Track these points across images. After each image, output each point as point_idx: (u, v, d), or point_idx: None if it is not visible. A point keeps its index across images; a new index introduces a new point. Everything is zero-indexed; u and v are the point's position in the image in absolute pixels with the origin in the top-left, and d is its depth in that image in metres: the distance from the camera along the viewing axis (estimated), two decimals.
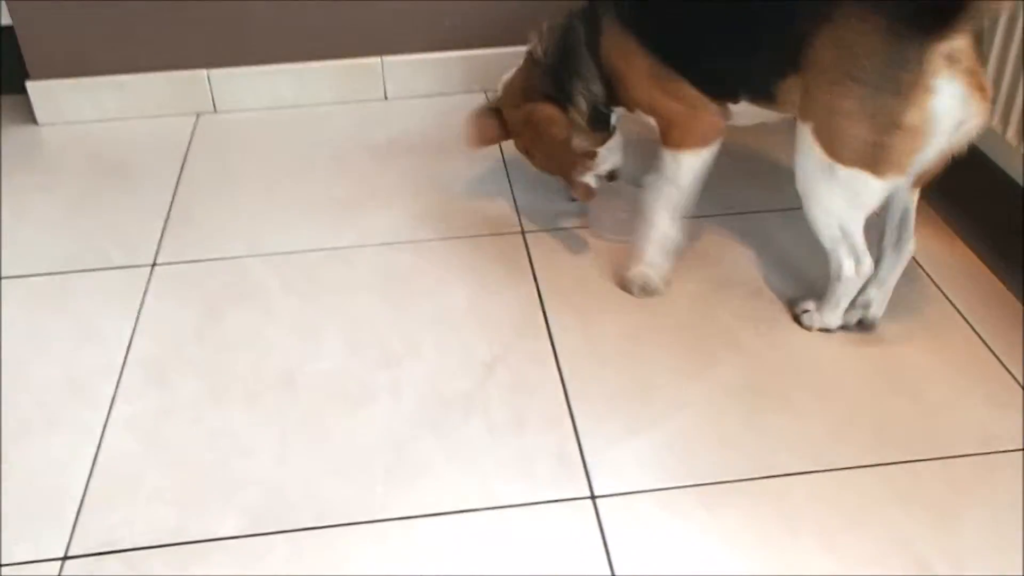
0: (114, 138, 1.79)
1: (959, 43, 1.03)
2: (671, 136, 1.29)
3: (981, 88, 1.06)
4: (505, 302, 1.35)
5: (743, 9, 1.17)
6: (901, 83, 1.04)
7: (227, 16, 1.79)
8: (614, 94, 1.34)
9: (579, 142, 1.40)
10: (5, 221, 1.55)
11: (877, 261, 1.24)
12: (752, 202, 1.55)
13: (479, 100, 1.88)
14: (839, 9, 1.07)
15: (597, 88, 1.34)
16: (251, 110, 1.88)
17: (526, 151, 1.48)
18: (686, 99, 1.26)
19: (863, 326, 1.29)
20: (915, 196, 1.23)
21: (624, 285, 1.37)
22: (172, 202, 1.59)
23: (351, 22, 1.83)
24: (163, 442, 1.14)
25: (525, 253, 1.45)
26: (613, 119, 1.43)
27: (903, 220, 1.24)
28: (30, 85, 1.82)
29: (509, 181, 1.63)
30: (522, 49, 1.45)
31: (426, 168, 1.67)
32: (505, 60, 1.87)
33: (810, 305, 1.30)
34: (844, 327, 1.29)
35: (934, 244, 1.44)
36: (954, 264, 1.41)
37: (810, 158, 1.14)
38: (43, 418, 1.18)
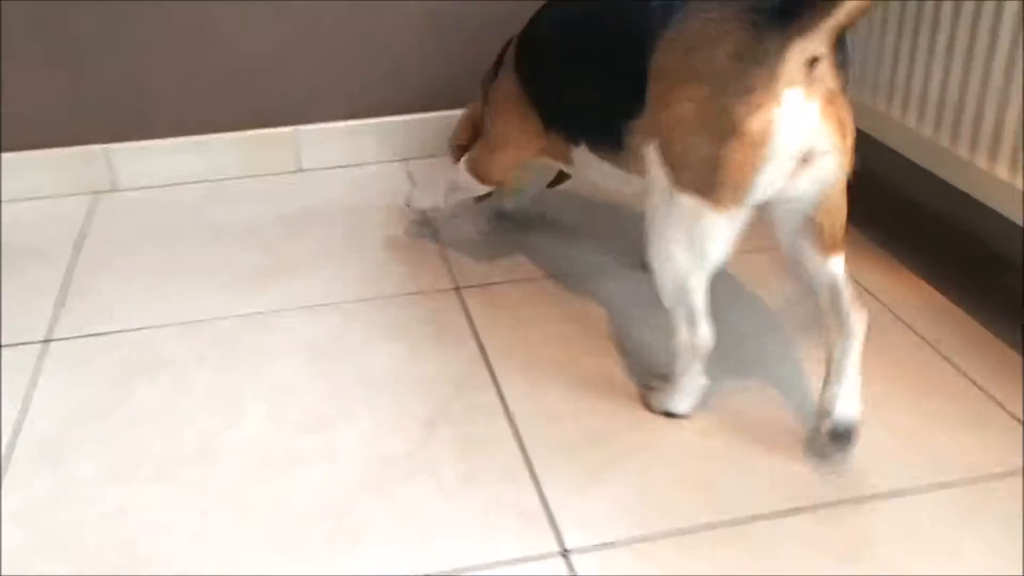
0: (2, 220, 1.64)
1: (823, 64, 0.89)
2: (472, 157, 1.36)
3: (840, 121, 0.92)
4: (442, 359, 1.24)
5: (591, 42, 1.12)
6: (749, 81, 0.88)
7: (126, 87, 1.69)
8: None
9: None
10: None
11: (828, 359, 1.05)
12: None
13: (396, 170, 1.81)
14: (685, 7, 0.96)
15: None
16: (155, 187, 1.76)
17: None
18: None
19: (839, 437, 1.02)
20: (837, 266, 1.02)
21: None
22: (67, 278, 1.45)
23: (261, 91, 1.75)
24: (57, 527, 0.98)
25: (461, 308, 1.35)
26: None
27: (834, 296, 1.03)
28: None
29: (438, 240, 1.54)
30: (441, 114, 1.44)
31: (345, 235, 1.57)
32: (425, 127, 1.83)
33: (656, 383, 1.15)
34: (814, 443, 1.07)
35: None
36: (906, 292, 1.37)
37: (655, 186, 1.00)
38: None
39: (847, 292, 1.03)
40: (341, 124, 1.80)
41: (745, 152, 0.90)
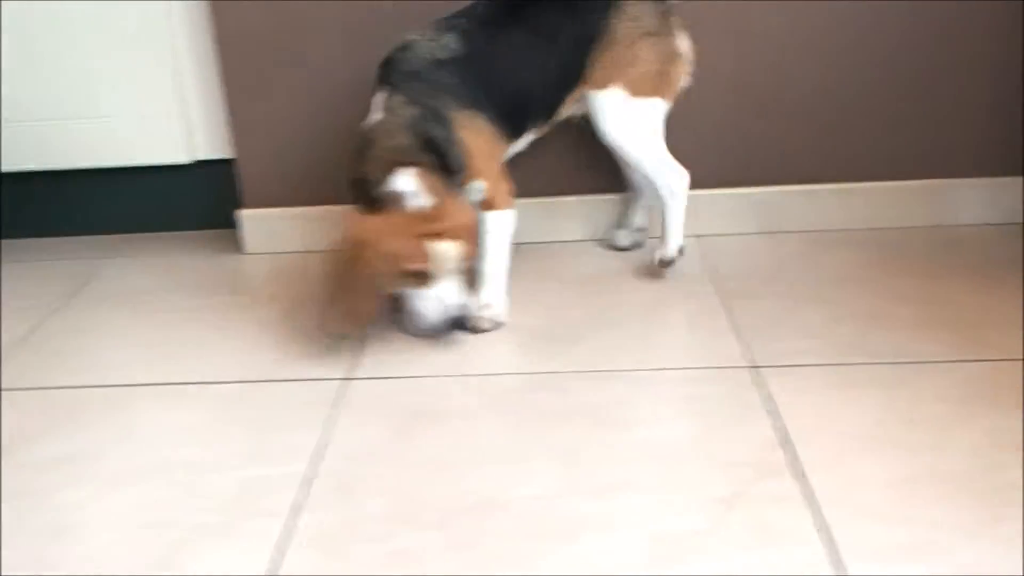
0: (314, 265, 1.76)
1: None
2: (497, 198, 1.49)
3: (687, 37, 1.55)
4: (737, 438, 1.15)
5: (547, 61, 1.50)
6: (671, 28, 1.52)
7: None
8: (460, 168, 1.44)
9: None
10: (202, 335, 1.51)
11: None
12: None
13: (686, 245, 1.75)
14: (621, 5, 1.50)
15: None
16: None
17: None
18: (500, 158, 1.52)
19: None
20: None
21: (474, 326, 1.46)
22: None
23: None
24: (347, 559, 0.98)
25: (757, 387, 1.25)
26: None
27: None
28: (244, 214, 1.84)
29: (729, 314, 1.46)
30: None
31: (634, 305, 1.53)
32: (716, 203, 1.75)
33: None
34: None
35: None
36: None
37: (615, 106, 1.52)
38: (219, 524, 1.05)
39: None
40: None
41: (680, 66, 1.55)
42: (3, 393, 1.36)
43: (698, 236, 1.79)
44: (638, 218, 1.75)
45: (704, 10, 1.64)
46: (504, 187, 1.49)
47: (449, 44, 1.44)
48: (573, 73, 1.52)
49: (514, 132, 1.52)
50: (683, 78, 1.56)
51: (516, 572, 0.95)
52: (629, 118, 1.53)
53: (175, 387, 1.35)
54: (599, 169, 1.75)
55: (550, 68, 1.51)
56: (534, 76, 1.50)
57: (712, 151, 1.75)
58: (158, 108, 1.83)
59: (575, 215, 1.81)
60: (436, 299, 1.39)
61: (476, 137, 1.44)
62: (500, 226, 1.49)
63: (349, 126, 1.53)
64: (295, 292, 1.64)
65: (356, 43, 1.70)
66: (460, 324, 1.42)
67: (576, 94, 1.54)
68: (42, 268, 1.84)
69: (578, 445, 1.15)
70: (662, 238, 1.60)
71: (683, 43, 1.54)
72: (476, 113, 1.44)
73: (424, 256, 1.35)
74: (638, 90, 1.52)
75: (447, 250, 1.36)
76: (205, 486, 1.12)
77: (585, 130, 1.57)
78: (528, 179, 1.67)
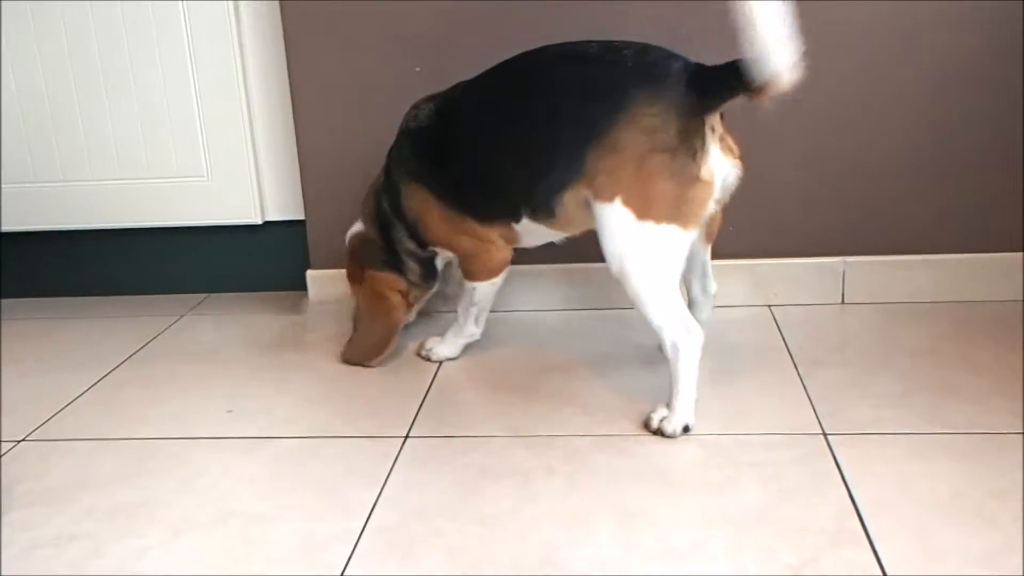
0: None
1: (715, 117, 1.27)
2: (467, 270, 1.52)
3: (731, 149, 1.31)
4: (808, 506, 1.11)
5: (527, 140, 1.35)
6: (694, 148, 1.25)
7: None
8: (423, 239, 1.53)
9: (414, 295, 1.60)
10: (267, 391, 1.52)
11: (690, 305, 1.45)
12: None
13: (759, 314, 1.73)
14: (630, 102, 1.26)
15: (412, 245, 1.53)
16: (523, 310, 1.82)
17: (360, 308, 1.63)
18: (477, 235, 1.46)
19: None
20: (709, 250, 1.47)
21: (422, 351, 1.60)
22: (432, 382, 1.51)
23: None
24: None
25: (830, 456, 1.21)
26: (439, 263, 1.60)
27: (704, 270, 1.48)
28: (311, 274, 1.87)
29: (802, 382, 1.42)
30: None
31: (708, 372, 1.50)
32: (790, 272, 1.73)
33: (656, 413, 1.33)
34: None
35: None
36: None
37: (621, 226, 1.28)
38: None
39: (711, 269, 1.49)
40: None
41: (703, 190, 1.27)
42: (74, 443, 1.38)
43: (770, 305, 1.76)
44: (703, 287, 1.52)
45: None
46: (480, 260, 1.50)
47: (422, 114, 1.48)
48: (561, 168, 1.31)
49: (481, 212, 1.44)
50: (709, 204, 1.28)
51: None
52: (634, 243, 1.28)
53: (239, 441, 1.36)
54: None
55: (528, 155, 1.35)
56: (502, 159, 1.38)
57: (786, 220, 1.74)
58: (233, 169, 1.89)
59: None
60: None
61: (424, 208, 1.48)
62: (477, 292, 1.54)
63: None
64: None
65: None
66: None
67: (576, 194, 1.32)
68: (114, 323, 1.88)
69: (644, 508, 1.12)
70: (668, 404, 1.32)
71: (712, 165, 1.26)
72: (421, 186, 1.47)
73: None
74: (647, 212, 1.26)
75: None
76: (264, 538, 1.11)
77: None
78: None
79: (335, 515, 1.15)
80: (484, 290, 1.54)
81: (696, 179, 1.25)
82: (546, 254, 1.60)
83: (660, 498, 1.14)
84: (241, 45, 1.82)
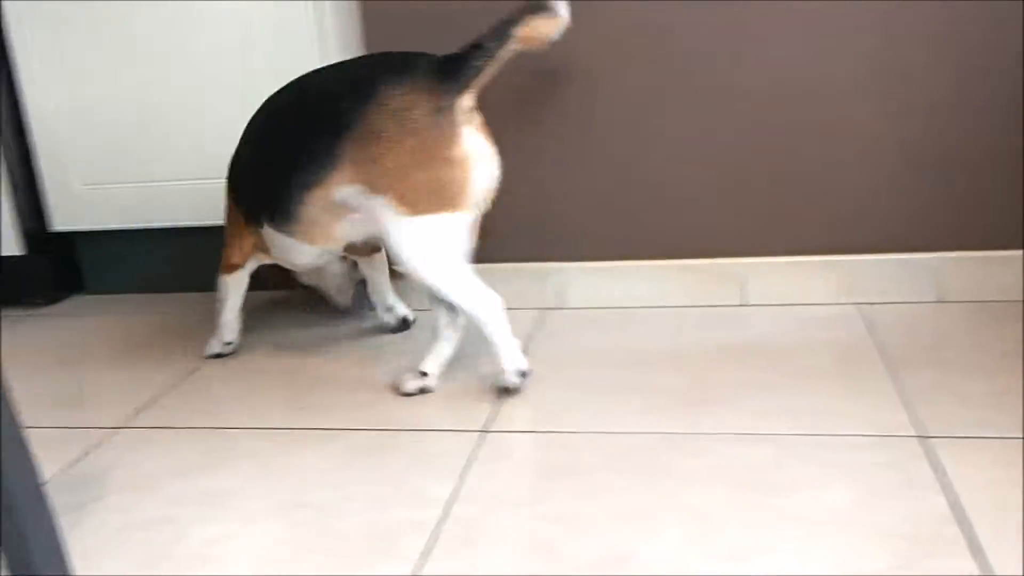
0: None
1: (468, 102, 1.32)
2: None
3: (488, 136, 1.36)
4: (900, 510, 1.05)
5: (288, 143, 1.40)
6: (444, 129, 1.29)
7: (581, 210, 1.76)
8: None
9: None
10: (342, 386, 1.53)
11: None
12: None
13: (847, 312, 1.66)
14: (378, 89, 1.31)
15: None
16: (598, 307, 1.79)
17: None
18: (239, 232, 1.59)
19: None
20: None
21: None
22: None
23: (710, 223, 1.72)
24: None
25: (925, 459, 1.15)
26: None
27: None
28: None
29: (895, 383, 1.36)
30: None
31: (787, 369, 1.45)
32: (881, 269, 1.67)
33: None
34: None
35: None
36: None
37: (395, 228, 1.33)
38: (348, 566, 1.03)
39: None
40: (790, 259, 1.71)
41: (459, 170, 1.30)
42: (158, 431, 1.41)
43: (858, 304, 1.70)
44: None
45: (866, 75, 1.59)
46: (227, 256, 1.62)
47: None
48: (313, 167, 1.36)
49: (249, 214, 1.54)
50: (473, 184, 1.31)
51: None
52: (411, 241, 1.33)
53: (315, 432, 1.36)
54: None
55: (279, 154, 1.41)
56: (256, 157, 1.49)
57: (877, 214, 1.67)
58: None
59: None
60: None
61: (225, 206, 1.62)
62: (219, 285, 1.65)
63: None
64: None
65: None
66: None
67: (325, 193, 1.37)
68: (200, 322, 1.93)
69: (716, 507, 1.08)
70: (499, 366, 1.39)
71: (467, 147, 1.31)
72: (227, 188, 1.60)
73: None
74: (414, 207, 1.31)
75: None
76: (336, 528, 1.11)
77: None
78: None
79: (408, 507, 1.13)
80: (222, 283, 1.65)
81: (450, 160, 1.29)
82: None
83: (727, 498, 1.10)
84: (323, 49, 1.84)
